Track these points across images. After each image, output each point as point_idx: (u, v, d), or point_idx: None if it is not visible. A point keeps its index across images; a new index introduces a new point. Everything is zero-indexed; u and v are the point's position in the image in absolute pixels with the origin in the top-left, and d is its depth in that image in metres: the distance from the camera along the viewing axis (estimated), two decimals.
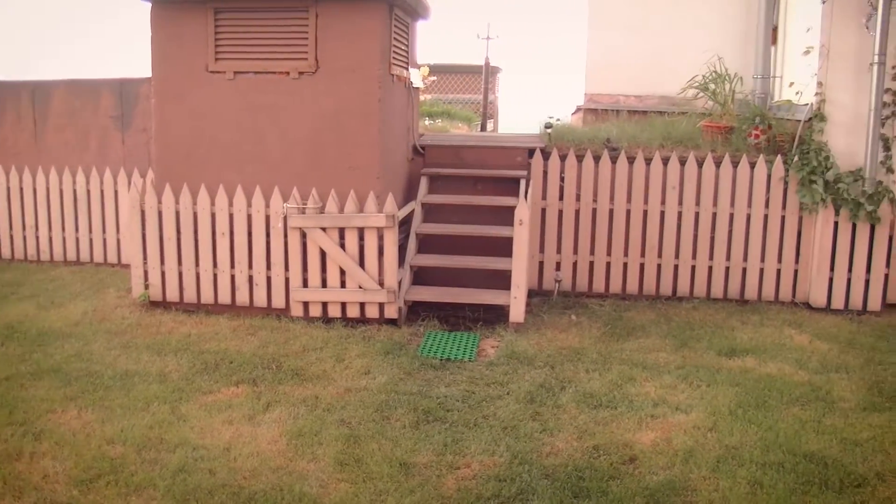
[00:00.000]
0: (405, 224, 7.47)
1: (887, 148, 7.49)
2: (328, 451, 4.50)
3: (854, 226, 7.44)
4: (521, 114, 15.66)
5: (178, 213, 7.12)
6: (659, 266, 7.77)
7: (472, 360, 6.03)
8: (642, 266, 7.77)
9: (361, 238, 6.78)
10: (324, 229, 6.78)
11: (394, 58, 7.22)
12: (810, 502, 3.97)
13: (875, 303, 7.52)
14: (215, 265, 7.11)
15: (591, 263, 7.81)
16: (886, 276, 7.55)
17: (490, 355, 6.15)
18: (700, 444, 4.59)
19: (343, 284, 6.84)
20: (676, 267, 7.75)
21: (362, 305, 6.84)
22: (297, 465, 4.35)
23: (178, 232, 7.15)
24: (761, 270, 7.68)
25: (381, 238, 6.73)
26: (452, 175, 7.88)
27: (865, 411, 5.12)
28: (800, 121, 7.66)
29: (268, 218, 6.95)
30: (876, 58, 7.29)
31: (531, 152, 7.84)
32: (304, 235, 6.83)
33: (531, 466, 4.32)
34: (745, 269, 7.69)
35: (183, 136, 7.12)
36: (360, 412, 5.02)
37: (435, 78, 14.04)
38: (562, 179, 7.75)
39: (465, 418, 4.94)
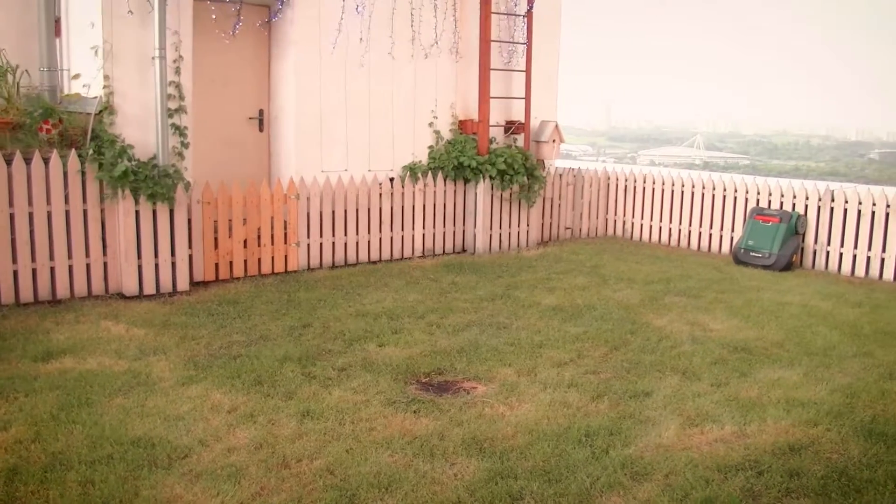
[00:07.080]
0: None
1: (180, 136, 8.03)
2: None
3: (155, 212, 7.81)
4: None
5: None
6: None
7: None
8: None
9: None
10: None
11: None
12: (142, 485, 4.09)
13: (183, 283, 8.05)
14: None
15: None
16: (191, 256, 8.13)
17: None
18: (25, 458, 4.35)
19: None
20: None
21: None
22: None
23: None
24: (70, 267, 7.55)
25: None
26: None
27: (184, 385, 5.48)
28: (91, 114, 7.69)
29: None
30: (157, 52, 7.72)
31: None
32: None
33: None
34: (53, 269, 7.46)
35: None
36: None
37: None
38: None
39: None
